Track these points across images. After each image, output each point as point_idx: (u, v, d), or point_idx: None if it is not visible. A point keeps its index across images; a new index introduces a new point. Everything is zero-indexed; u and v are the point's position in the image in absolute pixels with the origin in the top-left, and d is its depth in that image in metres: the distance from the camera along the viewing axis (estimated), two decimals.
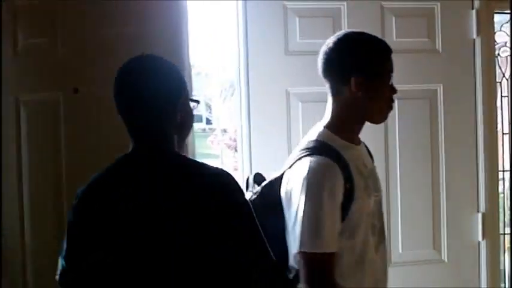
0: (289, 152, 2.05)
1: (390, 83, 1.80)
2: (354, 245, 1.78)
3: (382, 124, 1.96)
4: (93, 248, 1.56)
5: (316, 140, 1.82)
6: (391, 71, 1.80)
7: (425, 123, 2.82)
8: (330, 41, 1.82)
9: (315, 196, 1.73)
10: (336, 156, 1.75)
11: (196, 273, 1.51)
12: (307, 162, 1.75)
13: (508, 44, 3.04)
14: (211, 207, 1.52)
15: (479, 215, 2.81)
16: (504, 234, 3.03)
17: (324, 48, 1.81)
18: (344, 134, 1.82)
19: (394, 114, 2.58)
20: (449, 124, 2.81)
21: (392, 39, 2.74)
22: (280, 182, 1.82)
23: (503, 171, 3.02)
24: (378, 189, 1.88)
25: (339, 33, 1.85)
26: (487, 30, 2.85)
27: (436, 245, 2.82)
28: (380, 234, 1.86)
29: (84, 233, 1.58)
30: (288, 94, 2.71)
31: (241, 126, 2.73)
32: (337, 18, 2.74)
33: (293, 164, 1.80)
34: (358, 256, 1.79)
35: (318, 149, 1.79)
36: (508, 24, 3.03)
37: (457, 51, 2.82)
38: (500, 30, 3.04)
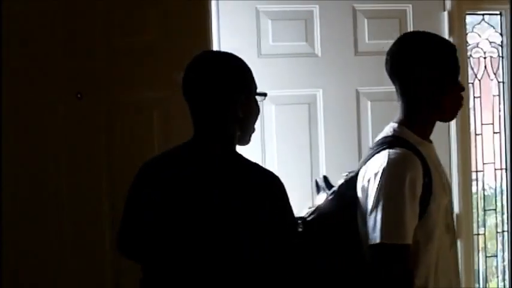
0: None
1: (458, 81, 1.83)
2: (433, 241, 1.79)
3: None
4: (146, 220, 1.67)
5: (393, 136, 1.84)
6: (459, 68, 1.83)
7: None
8: (398, 42, 1.87)
9: (396, 187, 1.74)
10: (414, 150, 1.78)
11: (231, 271, 1.60)
12: (386, 154, 1.76)
13: (481, 45, 3.10)
14: (258, 211, 1.61)
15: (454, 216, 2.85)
16: (478, 234, 3.07)
17: (392, 49, 1.85)
18: (420, 131, 1.85)
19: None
20: None
21: (364, 41, 2.79)
22: (356, 179, 1.83)
23: (477, 171, 3.06)
24: (449, 188, 1.92)
25: (406, 33, 1.96)
26: (459, 31, 2.90)
27: None
28: (453, 234, 1.90)
29: (139, 203, 1.70)
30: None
31: None
32: (309, 20, 2.77)
33: (369, 159, 1.81)
34: (430, 249, 1.80)
35: (396, 142, 1.80)
36: (481, 25, 3.09)
37: None
38: (472, 31, 3.09)
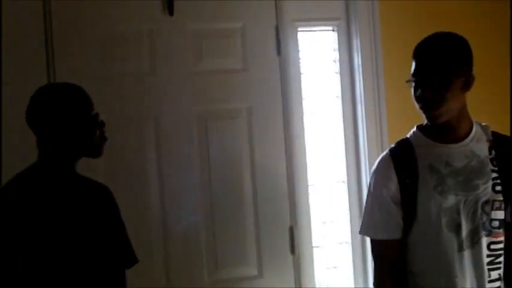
0: None
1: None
2: (424, 238, 2.09)
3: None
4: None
5: (403, 138, 2.20)
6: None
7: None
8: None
9: (369, 187, 2.20)
10: (403, 154, 2.12)
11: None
12: None
13: (315, 62, 3.26)
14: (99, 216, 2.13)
15: (289, 229, 3.00)
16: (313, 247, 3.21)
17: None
18: (434, 132, 2.12)
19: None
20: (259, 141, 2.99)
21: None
22: None
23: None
24: (468, 188, 2.07)
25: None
26: (291, 48, 3.06)
27: (252, 261, 2.97)
28: (469, 235, 2.06)
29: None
30: None
31: None
32: None
33: None
34: (429, 251, 2.08)
35: (395, 146, 2.20)
36: (314, 42, 3.24)
37: (263, 70, 3.00)
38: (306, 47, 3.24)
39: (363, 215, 2.24)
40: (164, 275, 2.85)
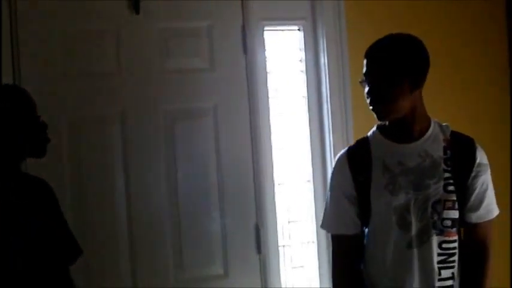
0: None
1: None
2: (375, 235, 2.17)
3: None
4: None
5: (364, 137, 2.28)
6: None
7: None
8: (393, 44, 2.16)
9: (329, 184, 2.30)
10: (359, 152, 2.20)
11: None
12: None
13: (281, 61, 3.30)
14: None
15: (255, 228, 3.04)
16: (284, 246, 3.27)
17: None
18: (390, 132, 2.19)
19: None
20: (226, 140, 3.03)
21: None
22: None
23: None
24: (418, 187, 2.12)
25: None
26: (257, 47, 3.09)
27: (218, 261, 3.00)
28: (419, 233, 2.11)
29: None
30: None
31: None
32: None
33: None
34: (380, 246, 2.15)
35: (353, 144, 2.31)
36: (280, 41, 3.29)
37: (229, 69, 3.04)
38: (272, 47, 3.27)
39: (323, 209, 2.32)
40: (130, 274, 2.86)
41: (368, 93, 2.13)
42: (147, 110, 2.90)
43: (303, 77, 3.29)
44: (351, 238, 2.21)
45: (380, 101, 2.11)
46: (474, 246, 2.21)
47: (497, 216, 2.25)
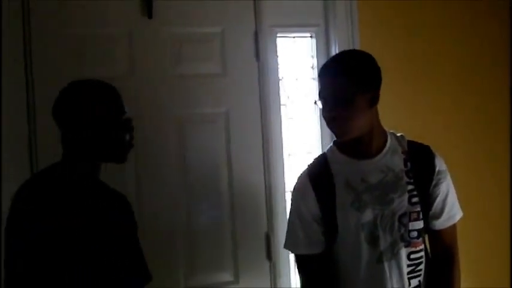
0: None
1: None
2: (345, 251, 2.16)
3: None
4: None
5: (321, 154, 2.28)
6: None
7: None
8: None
9: (291, 204, 2.27)
10: (320, 171, 2.18)
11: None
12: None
13: (293, 68, 3.30)
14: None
15: (265, 235, 3.05)
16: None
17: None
18: (349, 148, 2.17)
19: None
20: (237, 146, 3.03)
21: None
22: None
23: None
24: (383, 203, 2.12)
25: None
26: (270, 54, 3.11)
27: (228, 267, 3.00)
28: (389, 247, 2.12)
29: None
30: None
31: None
32: None
33: None
34: (350, 263, 2.15)
35: (312, 163, 2.28)
36: (292, 48, 3.29)
37: (242, 75, 3.04)
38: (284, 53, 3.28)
39: (286, 230, 2.31)
40: None
41: (327, 112, 2.12)
42: (158, 114, 2.91)
43: (315, 83, 3.30)
44: (318, 257, 2.21)
45: (340, 123, 2.10)
46: (440, 251, 2.25)
47: (497, 216, 2.26)
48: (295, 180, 2.30)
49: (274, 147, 3.09)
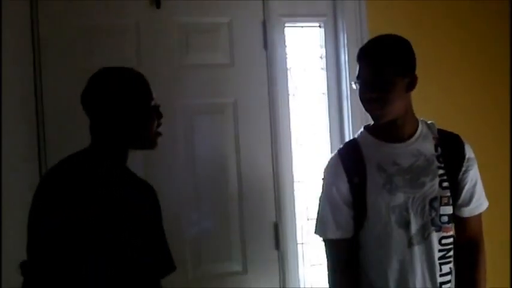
0: None
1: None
2: (375, 235, 2.16)
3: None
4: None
5: (352, 139, 2.31)
6: None
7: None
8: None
9: (322, 188, 2.27)
10: (351, 154, 2.19)
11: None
12: None
13: (302, 58, 3.30)
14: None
15: (273, 225, 3.06)
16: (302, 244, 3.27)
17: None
18: (381, 132, 2.19)
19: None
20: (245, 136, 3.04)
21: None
22: None
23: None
24: (415, 186, 2.15)
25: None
26: (278, 43, 3.10)
27: (236, 257, 3.02)
28: (419, 231, 2.13)
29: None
30: None
31: None
32: None
33: None
34: (380, 247, 2.15)
35: (343, 147, 2.31)
36: (300, 37, 3.29)
37: (250, 65, 3.05)
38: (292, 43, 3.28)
39: (316, 215, 2.31)
40: None
41: (366, 94, 2.14)
42: (167, 104, 2.87)
43: (323, 73, 3.30)
44: (346, 242, 2.23)
45: (378, 105, 2.12)
46: (468, 240, 2.27)
47: (498, 216, 2.28)
48: (325, 164, 2.31)
49: (282, 137, 3.10)
